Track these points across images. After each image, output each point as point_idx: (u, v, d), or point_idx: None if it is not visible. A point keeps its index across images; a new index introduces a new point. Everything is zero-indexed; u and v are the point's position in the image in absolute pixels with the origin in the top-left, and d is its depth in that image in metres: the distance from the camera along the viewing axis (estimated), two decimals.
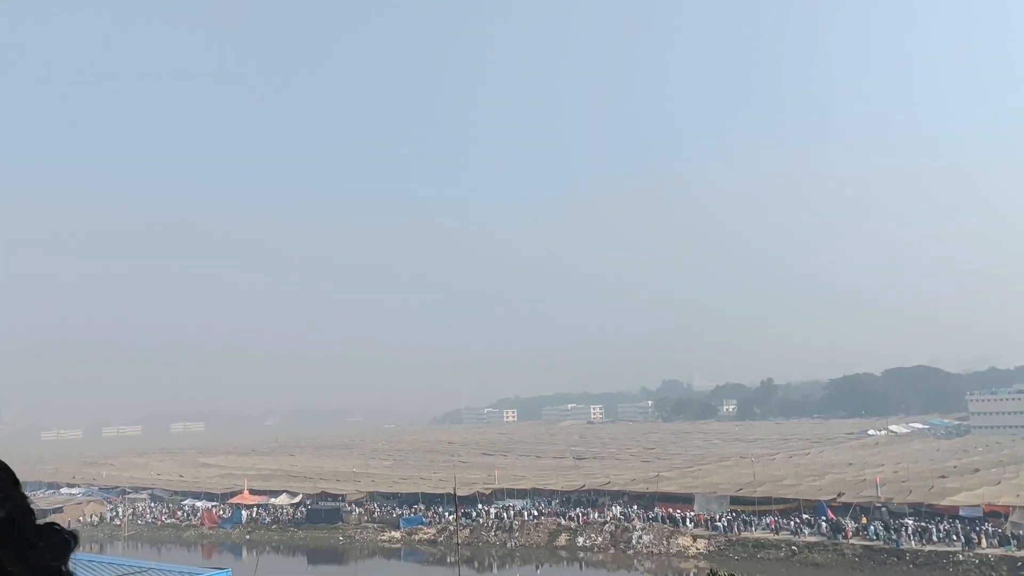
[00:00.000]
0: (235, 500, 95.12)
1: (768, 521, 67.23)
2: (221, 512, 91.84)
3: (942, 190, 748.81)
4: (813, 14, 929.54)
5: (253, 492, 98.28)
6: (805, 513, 67.99)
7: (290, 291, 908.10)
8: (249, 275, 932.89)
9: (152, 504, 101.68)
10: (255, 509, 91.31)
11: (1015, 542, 55.01)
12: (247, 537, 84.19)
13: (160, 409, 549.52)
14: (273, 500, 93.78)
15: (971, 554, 54.60)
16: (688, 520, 70.08)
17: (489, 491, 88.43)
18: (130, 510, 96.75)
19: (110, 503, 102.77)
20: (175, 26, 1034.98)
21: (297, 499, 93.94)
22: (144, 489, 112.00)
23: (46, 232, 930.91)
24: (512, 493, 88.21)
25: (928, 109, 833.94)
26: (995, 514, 60.50)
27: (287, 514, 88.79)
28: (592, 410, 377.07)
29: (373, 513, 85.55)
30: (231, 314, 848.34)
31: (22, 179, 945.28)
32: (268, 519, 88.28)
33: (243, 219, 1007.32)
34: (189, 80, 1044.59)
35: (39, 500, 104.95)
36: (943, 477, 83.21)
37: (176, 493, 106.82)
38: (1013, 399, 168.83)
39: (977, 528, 58.26)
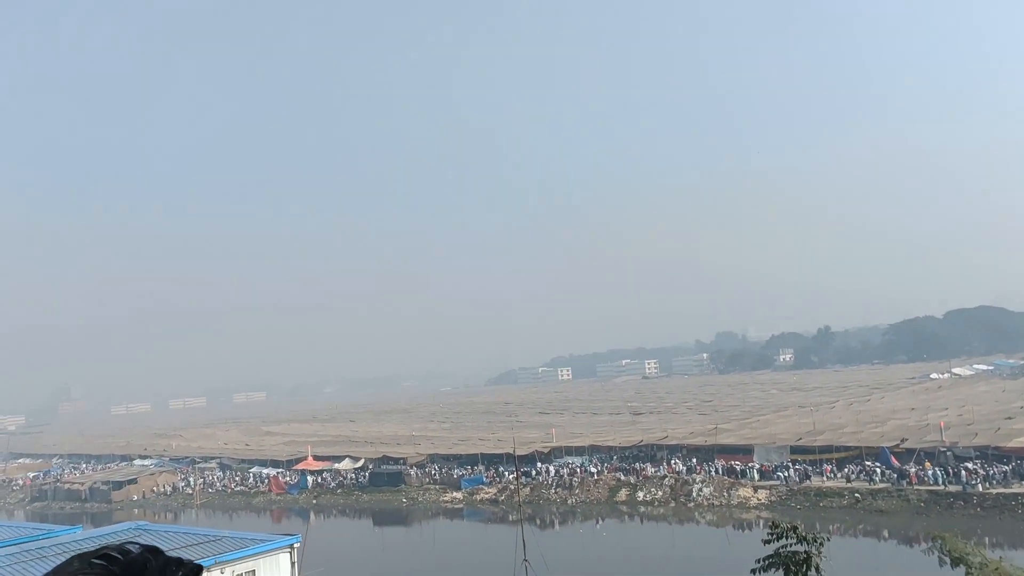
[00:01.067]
0: (300, 466, 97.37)
1: (828, 469, 66.69)
2: (287, 479, 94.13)
3: (994, 126, 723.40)
4: None
5: (317, 458, 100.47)
6: (868, 460, 67.28)
7: (339, 262, 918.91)
8: (299, 250, 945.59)
9: (221, 473, 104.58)
10: (320, 475, 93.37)
11: None
12: (314, 502, 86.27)
13: (222, 381, 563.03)
14: (336, 465, 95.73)
15: None
16: (749, 471, 69.87)
17: (548, 449, 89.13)
18: (200, 479, 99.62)
19: (181, 473, 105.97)
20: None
21: (360, 463, 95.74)
22: (212, 458, 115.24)
23: (105, 209, 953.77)
24: (570, 451, 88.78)
25: (974, 57, 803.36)
26: None
27: (351, 478, 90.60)
28: (647, 365, 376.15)
29: (434, 475, 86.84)
30: (287, 286, 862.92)
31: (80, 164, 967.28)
32: (333, 484, 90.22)
33: (294, 200, 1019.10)
34: (228, 80, 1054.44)
35: (114, 472, 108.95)
36: (1009, 418, 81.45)
37: (243, 461, 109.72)
38: None
39: None
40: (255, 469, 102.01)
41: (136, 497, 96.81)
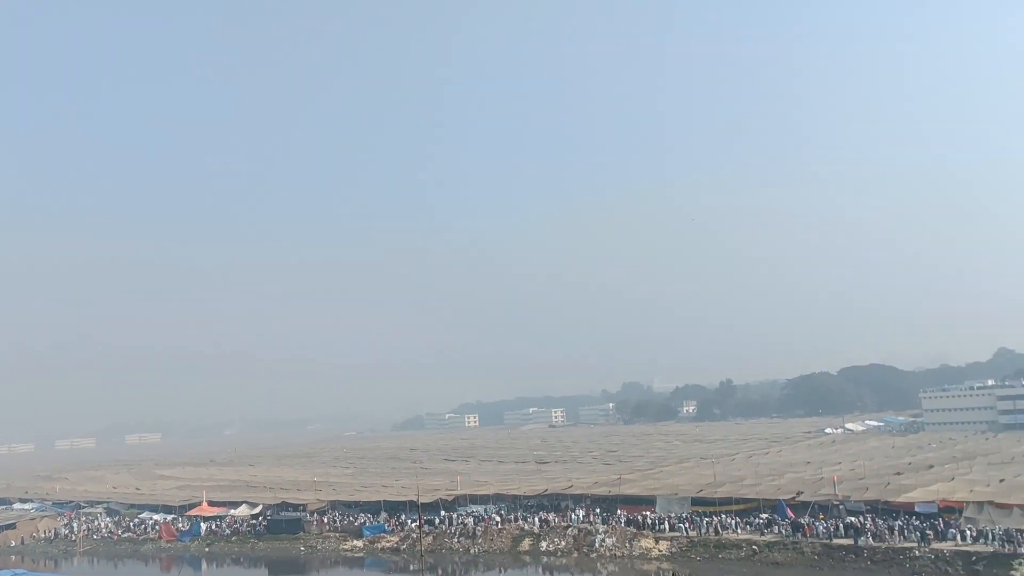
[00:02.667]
0: (193, 512, 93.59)
1: (729, 521, 67.79)
2: (179, 525, 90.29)
3: (896, 192, 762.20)
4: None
5: (212, 504, 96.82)
6: (765, 512, 68.71)
7: (247, 301, 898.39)
8: (202, 285, 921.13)
9: (108, 518, 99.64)
10: (215, 521, 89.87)
11: (970, 537, 56.07)
12: (206, 550, 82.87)
13: (115, 421, 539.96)
14: (232, 511, 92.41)
15: (927, 550, 55.53)
16: (651, 522, 70.42)
17: (452, 497, 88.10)
18: (85, 525, 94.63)
19: (65, 518, 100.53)
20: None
21: (257, 510, 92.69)
22: (99, 503, 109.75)
23: None
24: (475, 499, 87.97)
25: (891, 113, 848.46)
26: (949, 509, 61.66)
27: (247, 525, 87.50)
28: (554, 414, 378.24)
29: (335, 522, 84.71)
30: (187, 324, 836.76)
31: None
32: (228, 531, 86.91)
33: (199, 229, 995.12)
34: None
35: None
36: (899, 474, 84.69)
37: (133, 506, 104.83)
38: (965, 396, 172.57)
39: (932, 524, 59.33)
40: (145, 515, 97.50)
41: (14, 543, 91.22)
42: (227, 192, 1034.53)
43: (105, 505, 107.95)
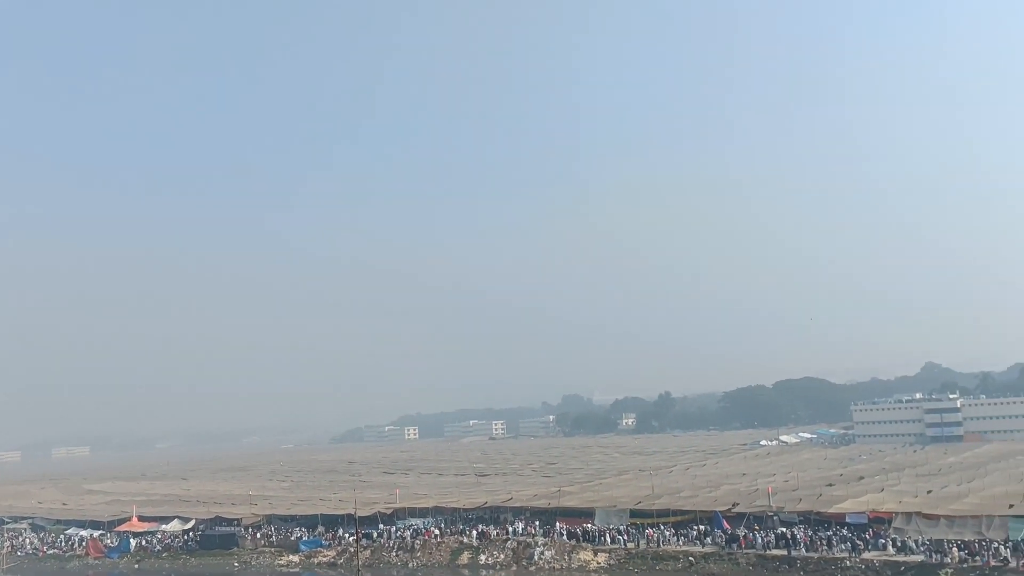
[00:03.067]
0: (123, 528, 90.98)
1: (667, 533, 68.45)
2: (108, 541, 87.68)
3: (827, 212, 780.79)
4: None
5: (142, 519, 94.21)
6: (702, 524, 69.55)
7: (185, 310, 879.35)
8: (139, 293, 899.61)
9: (33, 534, 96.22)
10: (145, 537, 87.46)
11: (898, 547, 57.51)
12: (136, 566, 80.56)
13: (41, 434, 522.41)
14: (164, 526, 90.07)
15: (857, 560, 56.83)
16: (589, 534, 70.69)
17: (390, 510, 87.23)
18: (8, 542, 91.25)
19: None
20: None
21: (190, 524, 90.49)
22: (24, 519, 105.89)
23: None
24: (414, 512, 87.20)
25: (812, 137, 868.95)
26: (879, 520, 63.21)
27: (179, 541, 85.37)
28: (494, 426, 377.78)
29: (270, 537, 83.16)
30: (118, 335, 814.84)
31: None
32: (159, 547, 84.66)
33: (143, 236, 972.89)
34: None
35: None
36: (830, 485, 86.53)
37: (59, 522, 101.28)
38: (894, 409, 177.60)
39: (863, 534, 60.75)
40: (72, 531, 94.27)
41: None
42: (136, 193, 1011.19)
43: (30, 521, 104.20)
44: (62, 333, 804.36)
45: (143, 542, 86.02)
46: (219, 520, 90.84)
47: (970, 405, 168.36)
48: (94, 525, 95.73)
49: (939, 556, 54.50)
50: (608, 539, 69.31)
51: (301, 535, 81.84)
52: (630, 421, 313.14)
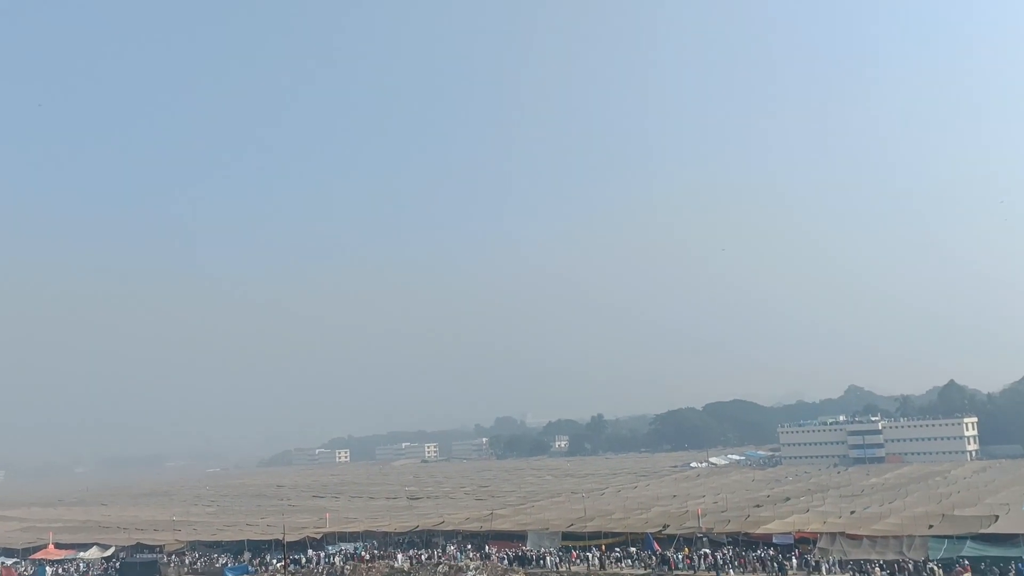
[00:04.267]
0: (38, 555, 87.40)
1: (598, 555, 68.58)
2: (22, 569, 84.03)
3: (753, 241, 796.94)
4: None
5: (59, 546, 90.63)
6: (633, 545, 69.87)
7: (98, 327, 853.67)
8: (54, 310, 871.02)
9: None
10: (62, 565, 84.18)
11: (824, 567, 58.66)
12: None
13: None
14: (82, 554, 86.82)
15: None
16: (522, 558, 70.41)
17: (320, 535, 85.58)
18: None
19: None
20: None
21: (109, 552, 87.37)
22: None
23: None
24: (344, 536, 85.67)
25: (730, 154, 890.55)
26: (804, 540, 64.37)
27: (98, 569, 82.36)
28: (427, 449, 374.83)
29: (194, 564, 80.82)
30: (28, 352, 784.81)
31: None
32: (76, 575, 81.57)
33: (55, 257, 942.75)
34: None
35: None
36: (758, 506, 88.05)
37: None
38: (818, 431, 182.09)
39: (788, 555, 61.84)
40: None
41: None
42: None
43: None
44: None
45: (60, 570, 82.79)
46: (140, 547, 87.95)
47: (891, 427, 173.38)
48: (7, 553, 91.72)
49: None
50: (541, 562, 69.15)
51: (226, 562, 79.63)
52: (563, 444, 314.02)
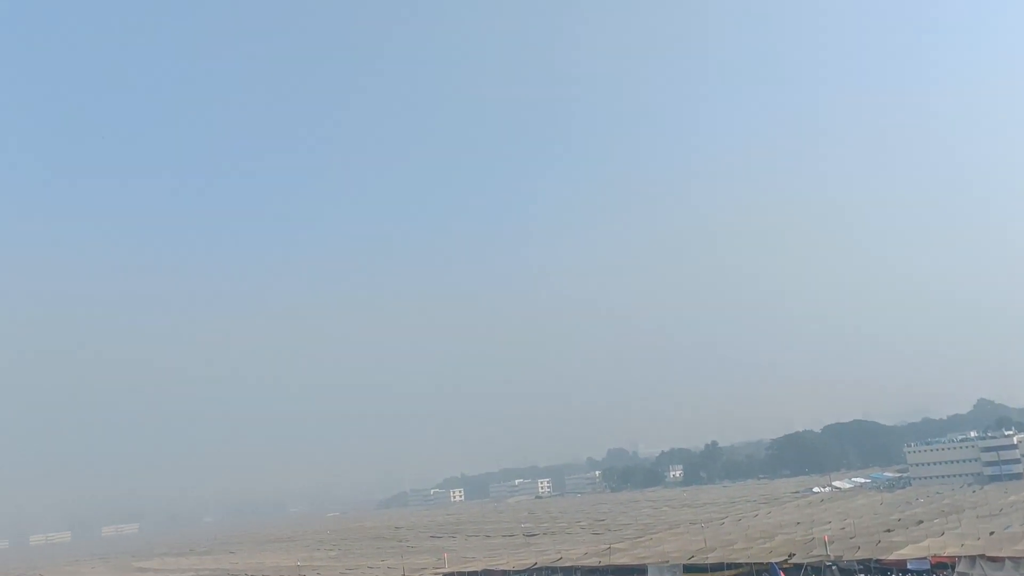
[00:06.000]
0: None
1: None
2: None
3: (876, 256, 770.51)
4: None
5: None
6: None
7: (219, 377, 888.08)
8: (178, 367, 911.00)
9: None
10: None
11: None
12: None
13: (89, 512, 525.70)
14: None
15: None
16: None
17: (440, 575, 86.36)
18: None
19: None
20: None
21: None
22: None
23: None
24: None
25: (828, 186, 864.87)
26: (942, 565, 61.22)
27: None
28: (540, 484, 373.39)
29: None
30: (153, 406, 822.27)
31: None
32: None
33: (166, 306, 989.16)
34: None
35: None
36: (889, 531, 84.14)
37: None
38: (949, 448, 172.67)
39: None
40: None
41: None
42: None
43: None
44: (105, 408, 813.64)
45: None
46: None
47: None
48: None
49: None
50: None
51: None
52: (677, 473, 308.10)
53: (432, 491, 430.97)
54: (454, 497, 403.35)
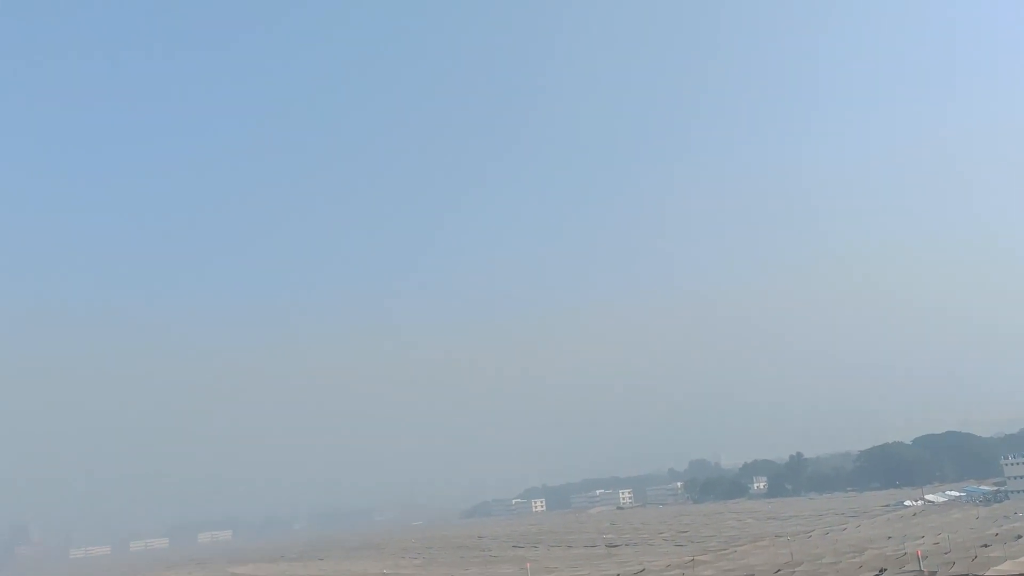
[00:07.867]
0: None
1: None
2: None
3: (959, 253, 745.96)
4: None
5: None
6: None
7: (308, 389, 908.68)
8: (263, 378, 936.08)
9: None
10: None
11: None
12: None
13: (185, 518, 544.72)
14: None
15: None
16: None
17: None
18: None
19: None
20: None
21: None
22: None
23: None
24: None
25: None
26: None
27: None
28: (621, 495, 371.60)
29: None
30: (247, 416, 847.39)
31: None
32: None
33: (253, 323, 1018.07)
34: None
35: None
36: (986, 546, 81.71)
37: None
38: None
39: None
40: None
41: None
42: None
43: None
44: (200, 419, 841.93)
45: None
46: None
47: None
48: None
49: None
50: None
51: None
52: (761, 485, 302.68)
53: (514, 501, 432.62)
54: (536, 507, 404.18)
